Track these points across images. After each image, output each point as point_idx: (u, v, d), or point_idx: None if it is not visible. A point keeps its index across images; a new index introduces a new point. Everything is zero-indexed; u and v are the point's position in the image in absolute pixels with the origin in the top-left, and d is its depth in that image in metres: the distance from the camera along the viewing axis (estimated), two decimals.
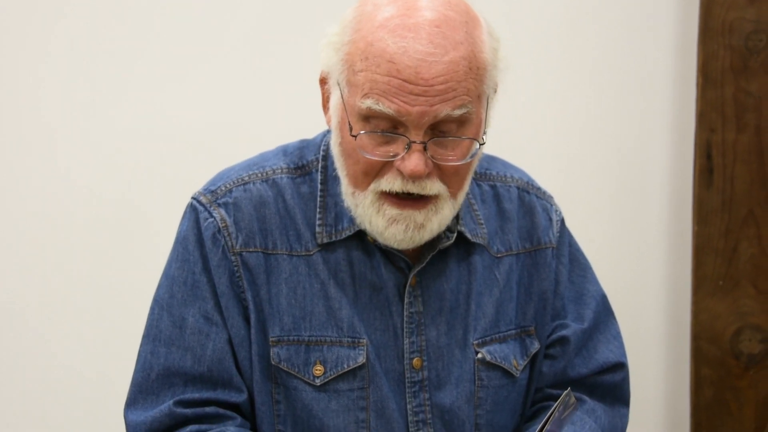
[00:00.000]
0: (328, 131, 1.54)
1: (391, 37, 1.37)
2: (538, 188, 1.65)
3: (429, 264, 1.51)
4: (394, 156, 1.39)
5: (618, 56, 2.46)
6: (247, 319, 1.48)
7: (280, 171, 1.53)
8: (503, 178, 1.62)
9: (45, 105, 2.29)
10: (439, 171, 1.41)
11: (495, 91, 1.47)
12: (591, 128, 2.47)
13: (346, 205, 1.48)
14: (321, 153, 1.53)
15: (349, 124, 1.41)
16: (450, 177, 1.42)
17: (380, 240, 1.45)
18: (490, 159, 1.65)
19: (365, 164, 1.41)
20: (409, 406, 1.50)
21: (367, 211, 1.43)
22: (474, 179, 1.60)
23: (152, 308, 1.52)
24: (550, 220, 1.63)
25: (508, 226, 1.59)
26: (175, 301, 1.49)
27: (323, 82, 1.49)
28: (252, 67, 2.34)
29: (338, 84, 1.43)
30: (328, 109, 1.49)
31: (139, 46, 2.30)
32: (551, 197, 1.66)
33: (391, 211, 1.42)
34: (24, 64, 2.27)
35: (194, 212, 1.51)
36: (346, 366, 1.47)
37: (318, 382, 1.47)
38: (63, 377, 2.32)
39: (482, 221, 1.56)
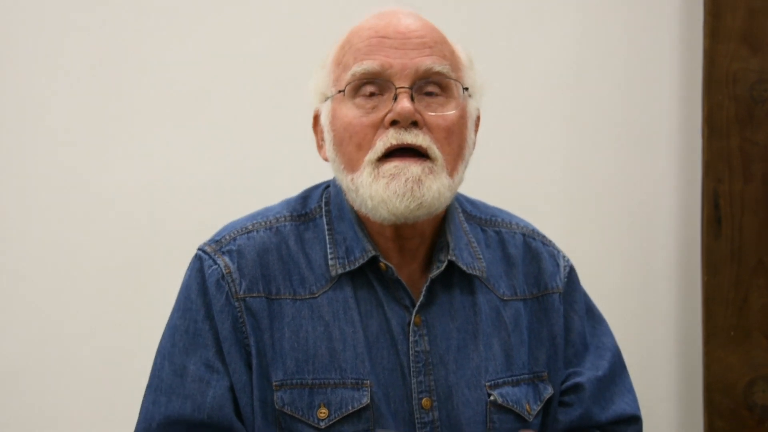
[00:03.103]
0: (328, 185, 1.59)
1: (368, 19, 1.50)
2: (544, 236, 1.67)
3: (434, 302, 1.52)
4: (384, 117, 1.44)
5: (623, 108, 2.47)
6: (249, 366, 1.48)
7: (283, 219, 1.56)
8: (508, 225, 1.64)
9: (48, 155, 2.30)
10: (432, 134, 1.45)
11: (477, 108, 1.53)
12: (598, 181, 2.47)
13: (348, 197, 1.51)
14: (323, 200, 1.57)
15: (338, 101, 1.48)
16: (441, 141, 1.46)
17: (384, 210, 1.45)
18: (496, 209, 1.68)
19: (358, 135, 1.45)
20: None
21: (365, 184, 1.45)
22: (479, 225, 1.63)
23: (155, 358, 1.53)
24: (558, 265, 1.64)
25: (513, 272, 1.61)
26: (176, 350, 1.50)
27: (315, 123, 1.56)
28: (258, 123, 2.36)
29: (326, 95, 1.51)
30: (321, 146, 1.54)
31: (145, 100, 2.33)
32: (556, 246, 1.68)
33: (388, 167, 1.44)
34: (27, 113, 2.29)
35: (199, 261, 1.53)
36: (350, 408, 1.46)
37: (323, 425, 1.46)
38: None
39: (480, 257, 1.57)
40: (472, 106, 1.52)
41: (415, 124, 1.44)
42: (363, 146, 1.45)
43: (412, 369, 1.49)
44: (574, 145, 2.46)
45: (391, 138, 1.43)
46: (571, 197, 2.47)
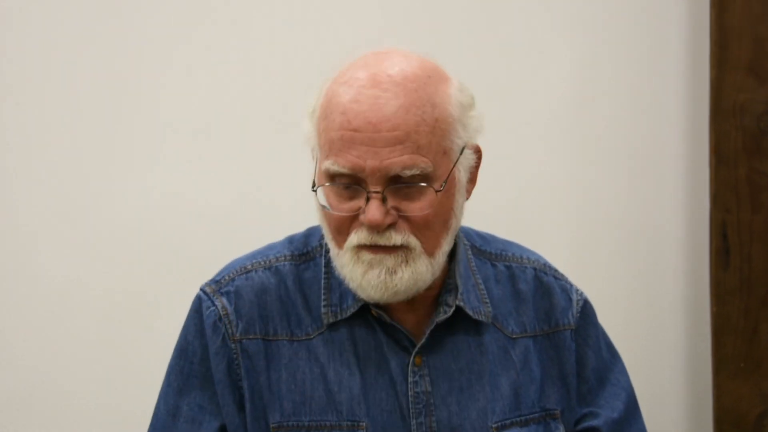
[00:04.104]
0: None
1: (346, 89, 1.41)
2: (556, 270, 1.65)
3: (436, 343, 1.51)
4: (358, 210, 1.42)
5: (630, 138, 2.47)
6: (241, 408, 1.49)
7: (283, 258, 1.56)
8: (519, 260, 1.63)
9: (50, 180, 2.30)
10: (409, 223, 1.42)
11: (473, 152, 1.48)
12: (604, 211, 2.47)
13: (336, 273, 1.49)
14: (325, 239, 1.55)
15: (314, 182, 1.45)
16: (421, 230, 1.43)
17: (360, 293, 1.45)
18: (507, 243, 1.66)
19: (335, 222, 1.44)
20: None
21: (348, 265, 1.44)
22: (489, 259, 1.61)
23: (158, 398, 1.55)
24: (570, 300, 1.62)
25: (523, 308, 1.59)
26: (171, 389, 1.52)
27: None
28: (269, 153, 2.36)
29: (314, 152, 1.48)
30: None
31: (154, 126, 2.33)
32: (569, 280, 1.66)
33: (366, 256, 1.43)
34: (31, 136, 2.29)
35: (198, 302, 1.54)
36: None
37: None
38: None
39: (487, 300, 1.56)
40: (463, 164, 1.47)
41: (389, 225, 1.42)
42: (342, 231, 1.44)
43: (411, 410, 1.48)
44: (580, 175, 2.46)
45: (363, 238, 1.42)
46: (577, 228, 2.46)
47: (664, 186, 2.48)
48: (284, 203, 2.32)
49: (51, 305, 2.29)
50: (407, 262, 1.43)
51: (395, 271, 1.42)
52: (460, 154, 1.45)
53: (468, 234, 1.62)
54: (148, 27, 2.31)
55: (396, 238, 1.41)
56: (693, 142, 2.48)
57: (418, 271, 1.43)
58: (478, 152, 1.50)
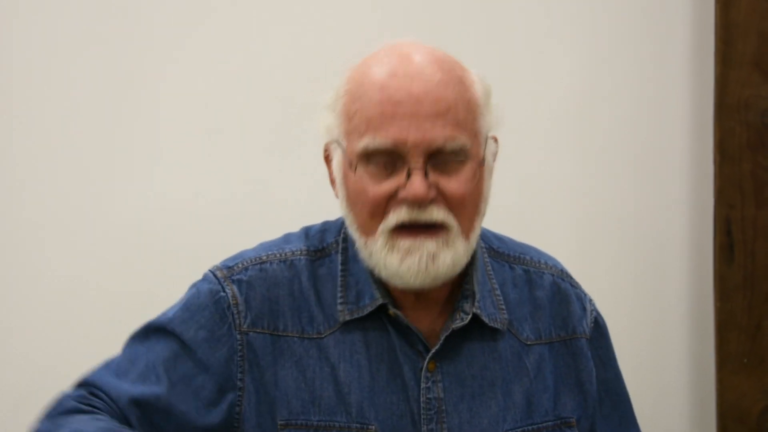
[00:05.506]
0: None
1: (380, 66, 1.42)
2: (572, 277, 1.64)
3: (450, 349, 1.49)
4: (398, 188, 1.40)
5: (634, 135, 2.47)
6: (212, 403, 1.46)
7: (299, 253, 1.53)
8: (537, 264, 1.61)
9: (54, 180, 2.30)
10: (446, 201, 1.41)
11: (495, 142, 1.49)
12: (608, 208, 2.47)
13: (363, 260, 1.47)
14: (341, 235, 1.54)
15: (350, 164, 1.43)
16: (457, 208, 1.42)
17: (398, 282, 1.43)
18: (524, 246, 1.65)
19: (370, 205, 1.42)
20: None
21: (380, 254, 1.43)
22: (507, 262, 1.60)
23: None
24: (584, 309, 1.61)
25: (539, 314, 1.58)
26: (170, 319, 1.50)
27: (327, 156, 1.51)
28: (268, 154, 2.36)
29: (338, 142, 1.46)
30: (334, 181, 1.50)
31: (160, 124, 2.33)
32: (583, 289, 1.65)
33: (404, 243, 1.41)
34: (34, 136, 2.29)
35: (207, 283, 1.51)
36: None
37: None
38: None
39: (503, 306, 1.55)
40: (490, 150, 1.48)
41: (431, 201, 1.41)
42: (376, 215, 1.42)
43: (423, 416, 1.46)
44: (585, 172, 2.46)
45: (404, 215, 1.40)
46: (580, 224, 2.46)
47: (669, 182, 2.48)
48: (286, 203, 2.32)
49: (52, 305, 2.29)
50: (448, 244, 1.41)
51: (437, 255, 1.41)
52: (486, 140, 1.47)
53: (484, 235, 1.60)
54: (148, 27, 2.30)
55: (438, 214, 1.40)
56: (697, 138, 2.47)
57: (458, 253, 1.43)
58: (496, 144, 1.52)
